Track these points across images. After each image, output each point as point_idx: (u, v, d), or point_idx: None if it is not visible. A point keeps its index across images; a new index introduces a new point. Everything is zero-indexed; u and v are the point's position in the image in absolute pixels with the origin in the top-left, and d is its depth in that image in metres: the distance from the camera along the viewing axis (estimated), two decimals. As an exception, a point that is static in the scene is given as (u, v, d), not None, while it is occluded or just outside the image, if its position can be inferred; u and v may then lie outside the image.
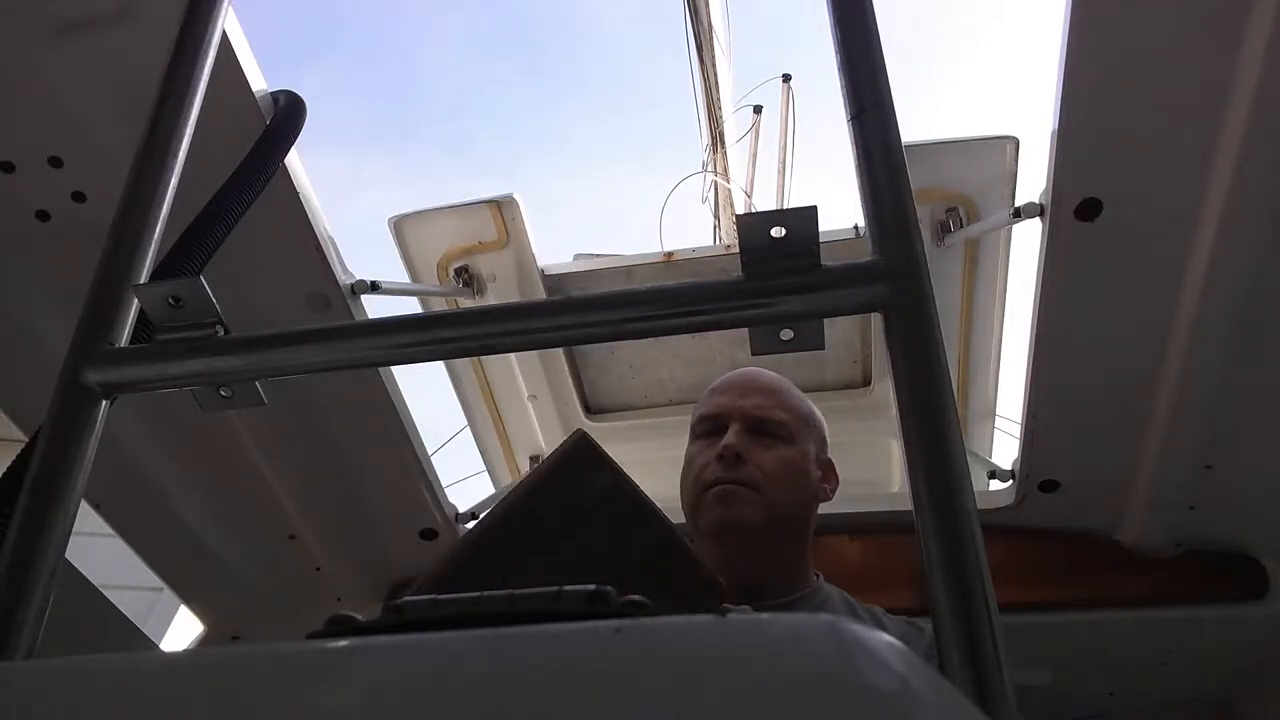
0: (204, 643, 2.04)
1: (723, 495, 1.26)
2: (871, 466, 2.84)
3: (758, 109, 5.60)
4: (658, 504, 0.84)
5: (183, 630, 2.85)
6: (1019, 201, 1.59)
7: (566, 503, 0.77)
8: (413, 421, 1.80)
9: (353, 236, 1.90)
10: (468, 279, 2.52)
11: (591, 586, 0.35)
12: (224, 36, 0.75)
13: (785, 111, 5.41)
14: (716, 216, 5.14)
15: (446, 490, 1.94)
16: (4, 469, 0.77)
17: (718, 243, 4.60)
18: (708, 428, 1.36)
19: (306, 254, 1.53)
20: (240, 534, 1.93)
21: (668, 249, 2.83)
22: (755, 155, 5.51)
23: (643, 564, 0.76)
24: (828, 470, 1.38)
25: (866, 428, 2.72)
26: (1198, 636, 1.84)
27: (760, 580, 1.24)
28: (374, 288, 1.69)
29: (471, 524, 1.99)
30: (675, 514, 1.72)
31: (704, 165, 5.09)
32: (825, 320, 0.54)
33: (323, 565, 1.99)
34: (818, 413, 1.42)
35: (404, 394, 1.77)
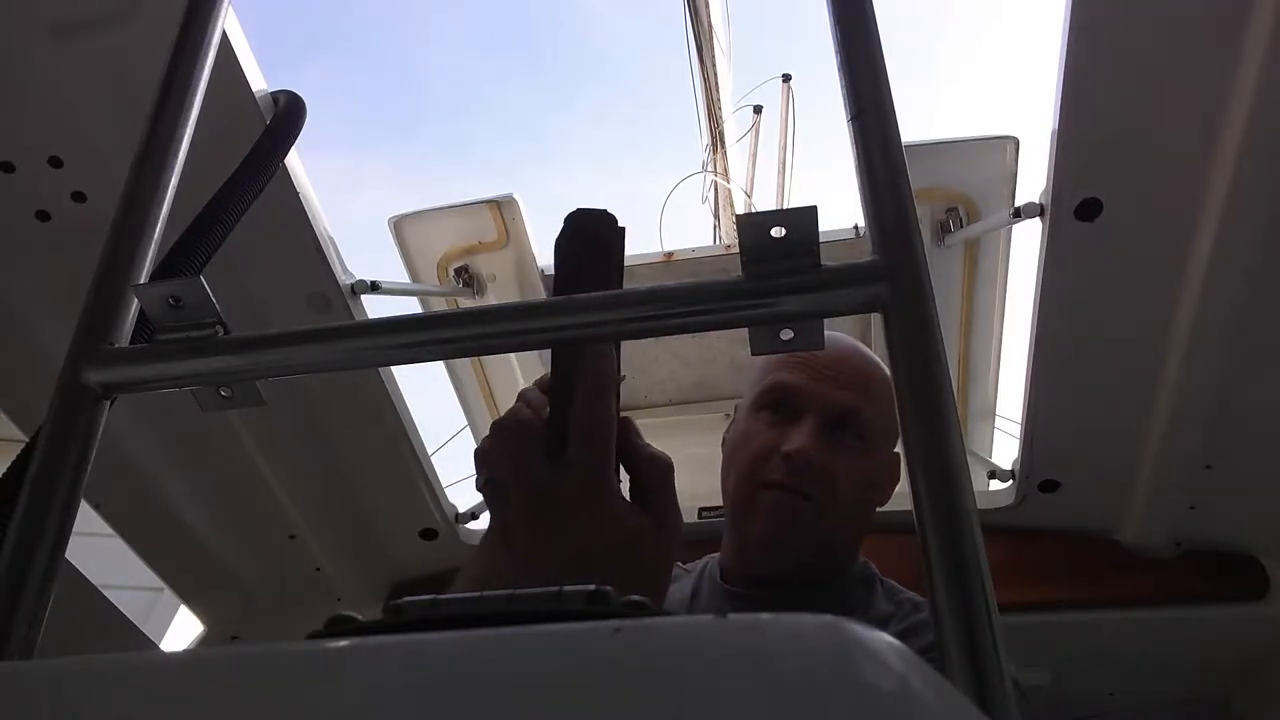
0: (204, 643, 2.05)
1: (778, 508, 1.09)
2: (871, 466, 2.84)
3: (758, 109, 5.60)
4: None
5: (183, 630, 2.85)
6: (1019, 201, 1.59)
7: None
8: (413, 421, 1.80)
9: (353, 236, 1.91)
10: (468, 279, 2.52)
11: (591, 587, 0.35)
12: (224, 36, 0.74)
13: (785, 111, 5.41)
14: (716, 216, 5.14)
15: (446, 490, 1.94)
16: (4, 469, 0.77)
17: (718, 243, 4.60)
18: (777, 402, 1.14)
19: (306, 254, 1.53)
20: (240, 534, 1.94)
21: (668, 249, 2.83)
22: (755, 155, 5.51)
23: None
24: (894, 468, 1.18)
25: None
26: (1198, 636, 1.84)
27: (798, 575, 1.14)
28: (374, 288, 1.69)
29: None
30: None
31: (704, 165, 5.09)
32: (825, 320, 0.54)
33: (323, 565, 1.99)
34: None
35: (404, 394, 1.78)
